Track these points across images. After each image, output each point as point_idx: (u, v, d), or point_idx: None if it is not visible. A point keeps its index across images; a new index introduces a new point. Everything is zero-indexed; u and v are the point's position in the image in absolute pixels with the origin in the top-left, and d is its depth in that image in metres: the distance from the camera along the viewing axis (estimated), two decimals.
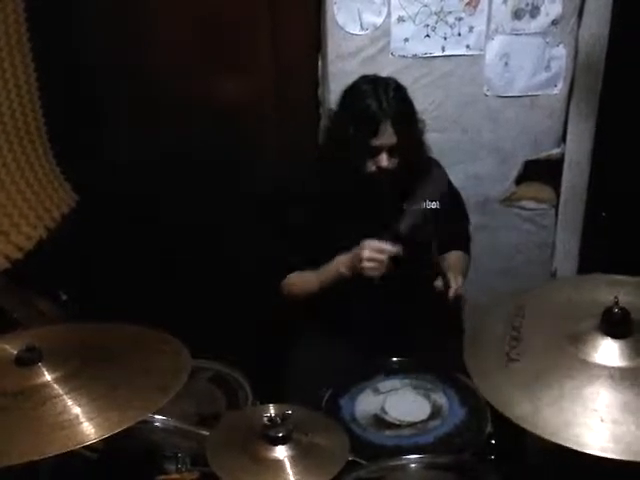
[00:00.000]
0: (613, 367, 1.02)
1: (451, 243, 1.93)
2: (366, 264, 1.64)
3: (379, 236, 1.67)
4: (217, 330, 2.12)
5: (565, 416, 0.98)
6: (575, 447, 0.94)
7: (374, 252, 1.64)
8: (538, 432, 0.97)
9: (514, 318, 1.20)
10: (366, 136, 1.68)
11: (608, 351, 1.04)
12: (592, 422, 0.96)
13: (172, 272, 2.22)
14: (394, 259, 1.66)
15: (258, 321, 2.24)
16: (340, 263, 1.72)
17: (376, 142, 1.68)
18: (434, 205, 1.85)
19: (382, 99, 1.69)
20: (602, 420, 0.96)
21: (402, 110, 1.72)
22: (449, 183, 2.00)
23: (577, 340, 1.08)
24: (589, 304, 1.17)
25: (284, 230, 1.83)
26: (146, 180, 2.16)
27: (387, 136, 1.68)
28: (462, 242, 2.03)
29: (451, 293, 1.69)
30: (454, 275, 1.73)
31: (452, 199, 1.99)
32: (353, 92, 1.77)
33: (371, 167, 1.71)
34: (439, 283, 1.71)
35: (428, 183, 1.85)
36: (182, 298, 2.20)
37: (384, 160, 1.69)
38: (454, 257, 1.94)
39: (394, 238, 1.67)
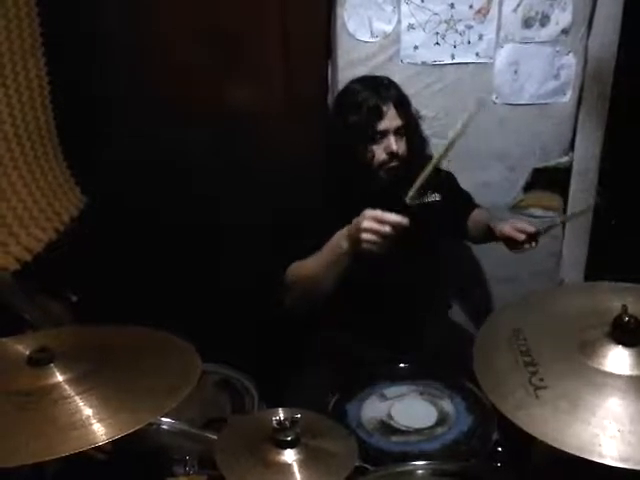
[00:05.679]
0: (629, 376, 1.02)
1: (468, 207, 2.04)
2: (363, 235, 1.49)
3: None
4: (221, 333, 2.12)
5: (618, 436, 0.95)
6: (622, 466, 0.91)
7: (374, 222, 1.49)
8: (600, 460, 0.91)
9: (517, 343, 1.16)
10: (371, 121, 1.71)
11: (622, 360, 1.04)
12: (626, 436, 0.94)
13: (179, 273, 2.22)
14: (403, 235, 1.52)
15: (262, 324, 2.24)
16: (339, 236, 1.61)
17: (382, 125, 1.71)
18: (436, 197, 1.89)
19: (378, 89, 1.75)
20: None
21: (400, 94, 1.78)
22: (446, 173, 2.06)
23: (592, 353, 1.07)
24: (589, 314, 1.17)
25: (289, 231, 1.83)
26: (154, 182, 2.17)
27: (392, 118, 1.72)
28: (474, 203, 2.10)
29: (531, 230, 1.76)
30: (510, 223, 1.80)
31: (451, 183, 2.06)
32: (347, 92, 1.83)
33: (381, 155, 1.73)
34: (527, 245, 1.79)
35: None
36: (190, 299, 2.20)
37: (393, 144, 1.72)
38: (480, 212, 2.04)
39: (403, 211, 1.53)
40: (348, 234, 1.57)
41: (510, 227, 1.79)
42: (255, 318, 2.23)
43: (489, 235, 1.91)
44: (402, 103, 1.77)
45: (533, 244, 1.80)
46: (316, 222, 1.75)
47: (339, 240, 1.60)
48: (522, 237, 1.77)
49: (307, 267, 1.69)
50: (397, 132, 1.73)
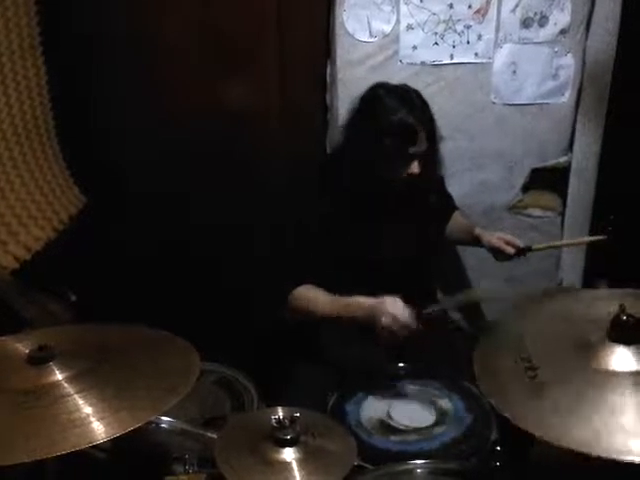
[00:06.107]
0: (630, 373, 1.03)
1: (450, 208, 2.08)
2: (381, 332, 1.54)
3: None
4: (220, 332, 2.12)
5: (622, 431, 0.96)
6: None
7: (392, 321, 1.52)
8: (605, 455, 0.92)
9: (516, 347, 1.17)
10: (405, 146, 1.68)
11: (622, 358, 1.05)
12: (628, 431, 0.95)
13: (178, 273, 2.23)
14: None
15: (261, 323, 2.24)
16: (359, 307, 1.61)
17: (413, 150, 1.69)
18: (434, 198, 1.89)
19: (413, 109, 1.70)
20: None
21: (430, 116, 1.75)
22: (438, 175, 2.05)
23: (592, 353, 1.08)
24: (587, 318, 1.17)
25: (296, 232, 1.82)
26: (153, 181, 2.18)
27: (421, 142, 1.70)
28: (455, 205, 2.13)
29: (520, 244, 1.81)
30: (497, 235, 1.85)
31: (440, 185, 2.07)
32: (378, 104, 1.75)
33: (402, 175, 1.72)
34: (510, 249, 1.82)
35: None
36: (189, 299, 2.21)
37: (416, 167, 1.70)
38: (460, 214, 2.07)
39: None
40: (366, 315, 1.58)
41: (498, 239, 1.83)
42: (254, 317, 2.23)
43: (470, 240, 1.95)
44: (431, 125, 1.74)
45: (522, 257, 1.83)
46: (319, 228, 1.75)
47: (356, 309, 1.61)
48: (512, 251, 1.81)
49: (314, 305, 1.69)
50: (421, 156, 1.71)
